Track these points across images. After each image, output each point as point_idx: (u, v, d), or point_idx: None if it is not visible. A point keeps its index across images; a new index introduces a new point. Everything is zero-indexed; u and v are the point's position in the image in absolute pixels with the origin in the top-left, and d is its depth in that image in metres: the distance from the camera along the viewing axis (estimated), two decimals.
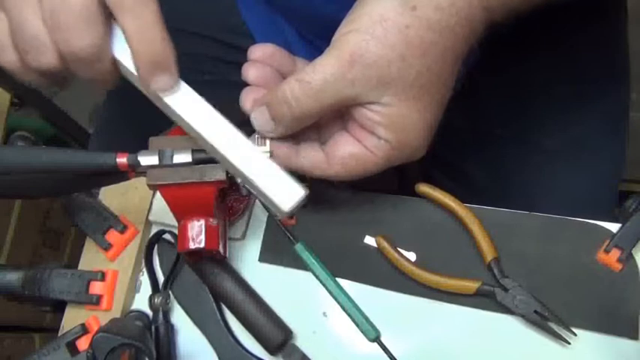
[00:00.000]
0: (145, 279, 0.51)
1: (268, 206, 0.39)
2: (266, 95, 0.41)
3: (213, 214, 0.43)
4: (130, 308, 0.51)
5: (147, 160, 0.40)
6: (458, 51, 0.38)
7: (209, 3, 0.65)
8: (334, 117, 0.43)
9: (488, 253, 0.45)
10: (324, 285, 0.47)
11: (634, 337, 0.43)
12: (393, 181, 0.84)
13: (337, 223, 0.49)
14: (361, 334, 0.46)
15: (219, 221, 0.45)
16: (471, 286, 0.45)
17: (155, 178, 0.41)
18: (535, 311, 0.44)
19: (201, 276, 0.48)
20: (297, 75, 0.38)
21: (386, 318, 0.46)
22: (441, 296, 0.46)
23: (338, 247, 0.49)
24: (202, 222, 0.43)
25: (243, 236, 0.51)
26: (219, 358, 0.48)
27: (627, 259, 0.44)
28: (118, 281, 0.50)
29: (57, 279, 0.49)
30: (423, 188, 0.47)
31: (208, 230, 0.43)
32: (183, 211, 0.43)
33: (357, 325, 0.46)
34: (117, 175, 0.42)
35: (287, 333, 0.47)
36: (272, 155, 0.41)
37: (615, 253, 0.44)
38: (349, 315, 0.46)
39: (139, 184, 0.51)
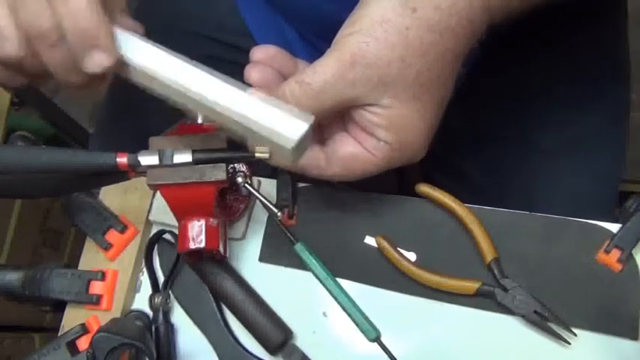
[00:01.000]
0: (145, 279, 0.51)
1: (271, 149, 0.37)
2: (262, 80, 0.41)
3: (213, 214, 0.43)
4: (130, 308, 0.51)
5: (147, 160, 0.40)
6: (458, 51, 0.38)
7: (209, 3, 0.65)
8: (335, 119, 0.43)
9: (488, 254, 0.45)
10: (324, 285, 0.47)
11: (634, 338, 0.43)
12: (393, 181, 0.84)
13: (337, 223, 0.49)
14: (361, 334, 0.46)
15: (220, 221, 0.45)
16: (471, 286, 0.45)
17: (155, 178, 0.41)
18: (535, 311, 0.44)
19: (202, 276, 0.48)
20: (297, 76, 0.38)
21: (386, 318, 0.46)
22: (441, 296, 0.46)
23: (338, 247, 0.49)
24: (202, 222, 0.43)
25: (244, 236, 0.51)
26: (219, 358, 0.48)
27: (627, 259, 0.44)
28: (118, 281, 0.50)
29: (57, 279, 0.49)
30: (423, 188, 0.47)
31: (208, 230, 0.43)
32: (183, 211, 0.43)
33: (357, 325, 0.46)
34: (117, 175, 0.42)
35: (287, 333, 0.47)
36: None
37: (615, 254, 0.44)
38: (349, 315, 0.46)
39: (139, 184, 0.51)
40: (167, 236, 0.51)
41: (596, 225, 0.46)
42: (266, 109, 0.36)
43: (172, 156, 0.40)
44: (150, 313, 0.49)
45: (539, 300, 0.44)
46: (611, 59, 0.63)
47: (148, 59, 0.38)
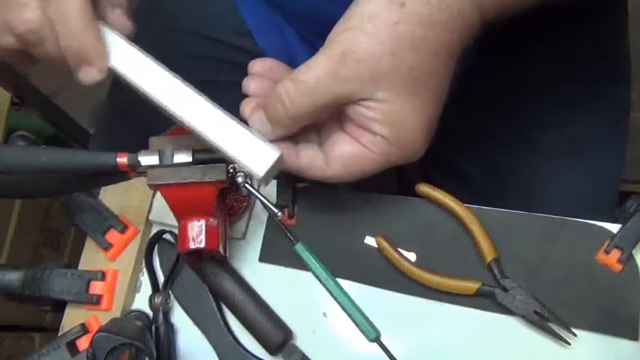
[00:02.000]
0: (145, 279, 0.51)
1: (244, 170, 0.40)
2: (263, 99, 0.41)
3: (213, 214, 0.43)
4: (130, 308, 0.51)
5: (147, 160, 0.40)
6: (451, 47, 0.38)
7: (209, 3, 0.65)
8: (332, 119, 0.43)
9: (488, 254, 0.45)
10: (324, 285, 0.47)
11: (634, 338, 0.43)
12: (393, 181, 0.84)
13: (337, 223, 0.49)
14: (361, 334, 0.46)
15: (220, 221, 0.45)
16: (471, 286, 0.45)
17: (155, 178, 0.41)
18: (535, 312, 0.44)
19: (202, 276, 0.48)
20: (291, 75, 0.39)
21: (386, 318, 0.46)
22: (441, 296, 0.46)
23: (338, 248, 0.49)
24: (202, 222, 0.43)
25: (244, 236, 0.51)
26: (219, 358, 0.48)
27: (627, 259, 0.44)
28: (118, 281, 0.50)
29: (57, 279, 0.49)
30: (423, 188, 0.47)
31: (208, 230, 0.43)
32: (183, 211, 0.43)
33: (357, 325, 0.46)
34: (117, 175, 0.42)
35: (287, 333, 0.47)
36: None
37: (615, 254, 0.44)
38: (349, 315, 0.46)
39: (139, 184, 0.51)
40: (167, 236, 0.51)
41: (596, 225, 0.46)
42: (237, 140, 0.38)
43: (172, 156, 0.40)
44: (150, 313, 0.49)
45: (539, 300, 0.44)
46: (611, 59, 0.63)
47: (131, 71, 0.39)
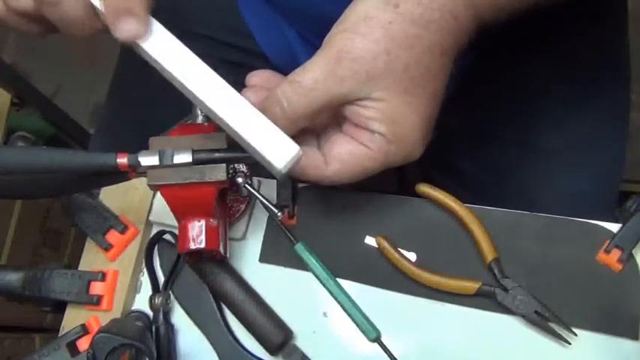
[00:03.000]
0: (145, 279, 0.51)
1: (262, 163, 0.39)
2: (261, 102, 0.41)
3: (213, 214, 0.43)
4: (131, 308, 0.51)
5: (147, 160, 0.40)
6: (446, 46, 0.39)
7: (209, 3, 0.65)
8: (330, 123, 0.43)
9: (489, 254, 0.45)
10: (324, 285, 0.47)
11: (634, 338, 0.43)
12: (393, 181, 0.84)
13: (337, 223, 0.49)
14: (361, 334, 0.46)
15: (220, 221, 0.45)
16: (472, 286, 0.45)
17: (155, 179, 0.41)
18: (535, 311, 0.44)
19: (202, 276, 0.48)
20: (288, 77, 0.39)
21: (386, 318, 0.46)
22: (442, 296, 0.46)
23: (338, 248, 0.49)
24: (203, 222, 0.43)
25: (244, 236, 0.51)
26: (219, 358, 0.48)
27: (627, 259, 0.44)
28: (119, 281, 0.50)
29: (57, 279, 0.49)
30: (423, 188, 0.47)
31: (209, 230, 0.43)
32: (183, 212, 0.43)
33: (358, 325, 0.46)
34: (117, 176, 0.42)
35: (287, 333, 0.47)
36: None
37: (615, 254, 0.44)
38: (349, 315, 0.46)
39: (139, 184, 0.51)
40: (167, 236, 0.51)
41: (596, 225, 0.46)
42: (262, 132, 0.38)
43: (172, 156, 0.40)
44: (150, 313, 0.49)
45: (540, 300, 0.44)
46: (611, 59, 0.63)
47: (161, 51, 0.38)
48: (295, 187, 0.50)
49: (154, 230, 0.52)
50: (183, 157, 0.40)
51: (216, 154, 0.41)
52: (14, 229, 0.99)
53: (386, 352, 0.45)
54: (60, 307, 0.51)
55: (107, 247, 0.50)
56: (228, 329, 0.48)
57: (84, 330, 0.48)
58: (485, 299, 0.45)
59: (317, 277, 0.47)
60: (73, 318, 0.50)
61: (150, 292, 0.50)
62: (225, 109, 0.38)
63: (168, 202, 0.43)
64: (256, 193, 0.45)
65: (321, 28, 0.40)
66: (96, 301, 0.49)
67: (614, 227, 0.45)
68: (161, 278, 0.51)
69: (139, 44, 0.38)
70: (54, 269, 0.49)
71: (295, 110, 0.39)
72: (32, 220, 1.05)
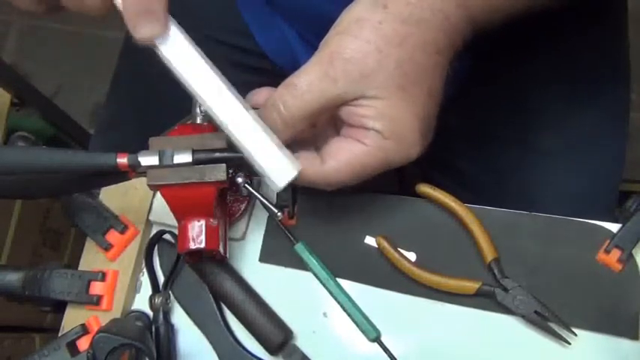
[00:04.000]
0: (145, 279, 0.51)
1: (259, 174, 0.40)
2: (258, 110, 0.41)
3: (213, 214, 0.43)
4: (131, 308, 0.51)
5: (147, 160, 0.40)
6: (440, 44, 0.39)
7: (209, 3, 0.65)
8: (328, 129, 0.43)
9: (489, 254, 0.45)
10: (324, 285, 0.47)
11: (634, 338, 0.43)
12: (393, 181, 0.84)
13: (337, 223, 0.49)
14: (361, 334, 0.46)
15: (220, 221, 0.45)
16: (471, 286, 0.45)
17: (155, 179, 0.41)
18: (535, 311, 0.44)
19: (202, 276, 0.48)
20: (284, 81, 0.40)
21: (386, 318, 0.46)
22: (441, 296, 0.46)
23: (338, 248, 0.49)
24: (203, 222, 0.43)
25: (244, 236, 0.51)
26: (219, 358, 0.48)
27: (627, 259, 0.44)
28: (119, 281, 0.50)
29: (57, 279, 0.49)
30: (423, 188, 0.47)
31: (208, 230, 0.43)
32: (183, 212, 0.43)
33: (358, 325, 0.46)
34: (117, 176, 0.42)
35: (287, 333, 0.47)
36: None
37: (615, 254, 0.44)
38: (349, 315, 0.46)
39: (139, 184, 0.51)
40: (167, 236, 0.51)
41: (596, 225, 0.46)
42: (265, 149, 0.39)
43: (172, 156, 0.40)
44: (150, 313, 0.49)
45: (540, 300, 0.44)
46: (611, 59, 0.63)
47: (172, 52, 0.38)
48: (295, 187, 0.50)
49: (154, 230, 0.52)
50: (183, 157, 0.40)
51: (216, 154, 0.41)
52: (14, 229, 0.99)
53: (386, 352, 0.45)
54: (60, 307, 0.51)
55: (107, 247, 0.50)
56: (228, 329, 0.48)
57: (84, 330, 0.48)
58: (485, 299, 0.45)
59: (317, 277, 0.47)
60: (73, 318, 0.50)
61: (150, 292, 0.50)
62: (231, 120, 0.39)
63: (168, 202, 0.43)
64: (256, 193, 0.45)
65: (321, 29, 0.40)
66: (96, 301, 0.49)
67: (614, 227, 0.45)
68: (161, 278, 0.51)
69: (156, 45, 0.38)
70: (54, 269, 0.49)
71: (292, 113, 0.39)
72: (32, 220, 1.05)
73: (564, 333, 0.43)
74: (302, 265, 0.48)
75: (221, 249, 0.45)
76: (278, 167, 0.39)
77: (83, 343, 0.48)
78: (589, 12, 0.58)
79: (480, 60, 0.56)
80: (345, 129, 0.41)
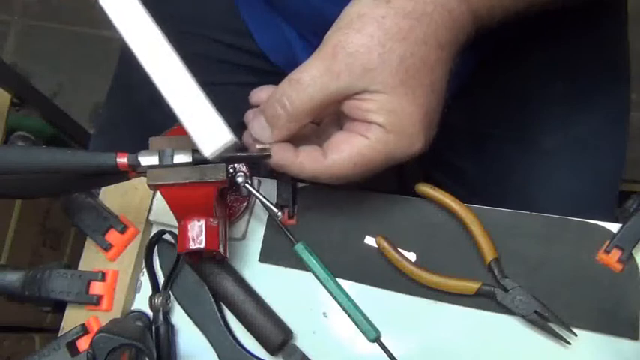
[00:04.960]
0: (145, 279, 0.51)
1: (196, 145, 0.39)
2: (262, 105, 0.41)
3: (213, 214, 0.43)
4: (131, 308, 0.51)
5: (147, 160, 0.40)
6: (442, 40, 0.39)
7: (209, 4, 0.65)
8: (332, 126, 0.43)
9: (489, 254, 0.45)
10: (324, 285, 0.47)
11: (634, 338, 0.43)
12: (393, 181, 0.84)
13: (337, 223, 0.49)
14: (361, 334, 0.46)
15: (220, 221, 0.45)
16: (471, 286, 0.45)
17: (155, 179, 0.41)
18: (535, 311, 0.44)
19: (202, 276, 0.48)
20: (287, 76, 0.40)
21: (386, 318, 0.46)
22: (441, 296, 0.46)
23: (338, 247, 0.49)
24: (202, 222, 0.43)
25: (244, 236, 0.51)
26: (219, 358, 0.48)
27: (627, 259, 0.44)
28: (119, 281, 0.50)
29: (57, 279, 0.49)
30: (423, 188, 0.47)
31: (208, 230, 0.43)
32: (183, 211, 0.43)
33: (357, 325, 0.46)
34: (117, 176, 0.42)
35: (287, 333, 0.47)
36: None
37: (615, 254, 0.44)
38: (349, 315, 0.46)
39: (139, 184, 0.51)
40: (167, 236, 0.51)
41: (596, 225, 0.46)
42: (195, 116, 0.37)
43: (172, 156, 0.40)
44: (150, 313, 0.49)
45: (540, 300, 0.44)
46: (611, 59, 0.63)
47: (124, 18, 0.37)
48: (295, 187, 0.50)
49: (154, 230, 0.52)
50: (183, 157, 0.40)
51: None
52: (14, 229, 0.99)
53: (386, 352, 0.45)
54: (60, 307, 0.51)
55: (107, 247, 0.50)
56: (228, 329, 0.48)
57: (84, 330, 0.48)
58: (485, 299, 0.45)
59: (317, 277, 0.47)
60: (73, 318, 0.50)
61: (150, 292, 0.50)
62: (168, 85, 0.38)
63: (168, 202, 0.43)
64: (256, 193, 0.45)
65: (321, 29, 0.40)
66: (96, 301, 0.49)
67: (614, 227, 0.45)
68: (161, 278, 0.51)
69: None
70: (54, 269, 0.49)
71: (295, 107, 0.39)
72: (32, 220, 1.05)
73: (564, 333, 0.43)
74: (302, 265, 0.48)
75: (221, 249, 0.44)
76: (209, 135, 0.37)
77: (83, 343, 0.48)
78: (589, 12, 0.58)
79: (481, 59, 0.56)
80: (348, 123, 0.41)
